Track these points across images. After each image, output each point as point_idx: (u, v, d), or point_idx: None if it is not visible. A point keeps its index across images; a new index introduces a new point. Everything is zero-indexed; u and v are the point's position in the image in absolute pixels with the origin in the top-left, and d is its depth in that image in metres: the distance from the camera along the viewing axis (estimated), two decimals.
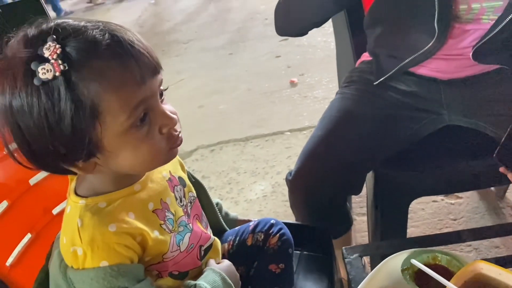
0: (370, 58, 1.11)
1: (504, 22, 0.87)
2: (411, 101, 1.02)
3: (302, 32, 1.06)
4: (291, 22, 1.06)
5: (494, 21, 0.89)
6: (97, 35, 0.48)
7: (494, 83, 0.97)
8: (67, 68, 0.47)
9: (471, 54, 0.93)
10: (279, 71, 2.82)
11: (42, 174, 0.80)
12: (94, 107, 0.48)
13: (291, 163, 1.90)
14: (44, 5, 0.81)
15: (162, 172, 0.65)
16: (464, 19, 0.92)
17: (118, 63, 0.49)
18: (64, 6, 5.52)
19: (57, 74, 0.47)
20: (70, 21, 0.50)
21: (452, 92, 1.00)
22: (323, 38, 3.02)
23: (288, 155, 1.97)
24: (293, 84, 2.60)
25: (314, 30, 1.06)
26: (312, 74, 2.64)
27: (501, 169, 0.81)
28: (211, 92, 2.73)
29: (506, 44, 0.92)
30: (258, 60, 3.05)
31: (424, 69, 1.01)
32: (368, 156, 0.97)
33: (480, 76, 0.99)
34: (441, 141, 1.02)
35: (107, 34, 0.49)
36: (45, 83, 0.47)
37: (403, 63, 0.99)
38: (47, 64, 0.47)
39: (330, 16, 1.06)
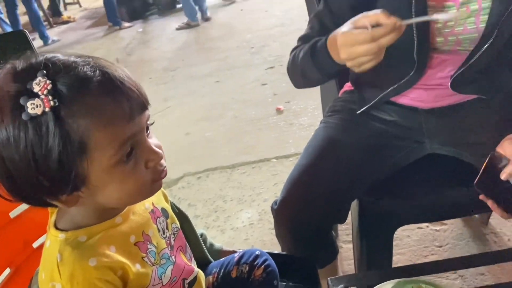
0: (352, 88, 1.14)
1: (479, 53, 0.90)
2: (393, 130, 1.04)
3: (312, 87, 1.11)
4: (298, 83, 1.08)
5: (470, 52, 0.92)
6: (88, 72, 0.49)
7: (472, 112, 1.00)
8: (57, 104, 0.47)
9: (449, 83, 0.96)
10: (266, 98, 2.85)
11: (23, 207, 0.78)
12: (83, 143, 0.48)
13: (277, 190, 1.89)
14: (30, 39, 0.81)
15: (145, 204, 0.64)
16: (442, 50, 0.95)
17: (109, 99, 0.49)
18: (51, 34, 5.54)
19: (47, 109, 0.46)
20: (60, 56, 0.50)
21: (432, 121, 1.03)
22: None
23: (275, 182, 1.97)
24: (279, 111, 2.62)
25: None
26: (298, 101, 2.67)
27: (481, 197, 0.82)
28: (198, 120, 2.74)
29: (482, 74, 0.96)
30: (245, 88, 3.09)
31: (405, 99, 1.04)
32: (353, 185, 0.98)
33: (459, 105, 1.01)
34: (424, 169, 1.03)
35: (98, 71, 0.49)
36: (33, 118, 0.47)
37: (384, 93, 1.02)
38: (36, 99, 0.46)
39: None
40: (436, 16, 0.80)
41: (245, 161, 2.18)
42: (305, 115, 2.51)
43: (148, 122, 0.55)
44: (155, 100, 3.26)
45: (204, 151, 2.37)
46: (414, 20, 0.83)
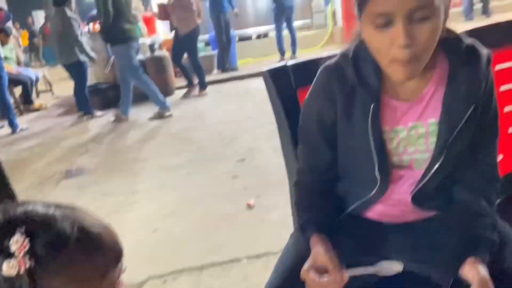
0: None
1: (432, 172, 0.95)
2: (361, 246, 1.05)
3: None
4: None
5: (424, 169, 0.97)
6: (66, 228, 0.49)
7: (435, 229, 1.02)
8: (33, 265, 0.46)
9: (410, 199, 1.00)
10: (236, 192, 2.85)
11: None
12: None
13: None
14: (4, 169, 0.80)
15: None
16: (399, 167, 1.00)
17: (85, 257, 0.50)
18: (21, 121, 5.52)
19: (22, 271, 0.46)
20: (39, 209, 0.50)
21: (398, 236, 1.04)
22: (278, 161, 3.12)
23: (245, 286, 1.90)
24: (249, 206, 2.62)
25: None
26: (269, 196, 2.68)
27: None
28: (167, 215, 2.68)
29: (439, 191, 1.00)
30: (216, 181, 3.10)
31: (371, 214, 1.06)
32: None
33: (423, 222, 1.04)
34: (393, 286, 1.03)
35: (76, 227, 0.50)
36: (7, 279, 0.46)
37: (350, 208, 1.04)
38: (13, 260, 0.46)
39: None
40: (380, 268, 0.96)
41: (214, 262, 2.11)
42: (276, 211, 2.51)
43: (122, 269, 0.55)
44: (122, 194, 3.20)
45: (171, 250, 2.29)
46: (358, 272, 0.95)
